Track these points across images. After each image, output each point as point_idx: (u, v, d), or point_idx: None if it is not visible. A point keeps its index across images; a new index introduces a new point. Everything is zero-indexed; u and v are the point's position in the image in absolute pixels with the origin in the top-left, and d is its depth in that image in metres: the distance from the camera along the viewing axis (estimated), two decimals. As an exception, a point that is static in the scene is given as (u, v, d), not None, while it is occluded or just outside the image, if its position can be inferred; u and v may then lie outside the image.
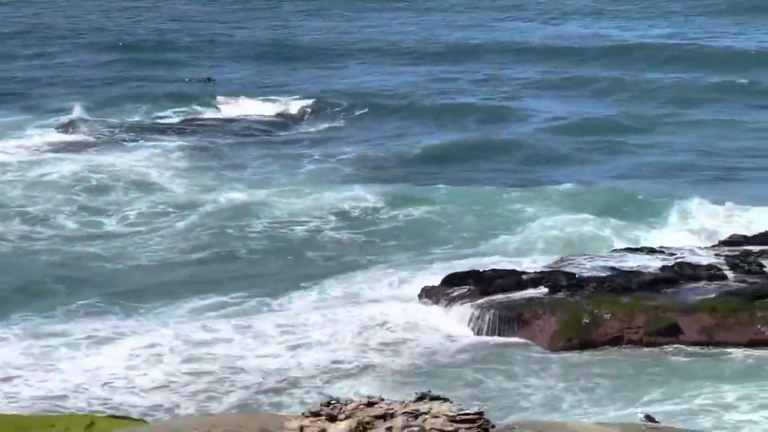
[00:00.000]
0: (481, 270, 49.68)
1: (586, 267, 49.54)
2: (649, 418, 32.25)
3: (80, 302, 49.11)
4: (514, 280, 48.15)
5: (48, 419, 28.32)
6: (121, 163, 71.99)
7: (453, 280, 48.96)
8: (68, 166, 70.35)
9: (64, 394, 39.83)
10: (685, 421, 33.79)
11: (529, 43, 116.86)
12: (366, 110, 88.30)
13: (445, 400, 22.93)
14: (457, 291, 47.82)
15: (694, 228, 57.26)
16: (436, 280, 49.67)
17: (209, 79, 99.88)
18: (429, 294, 48.46)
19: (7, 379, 40.91)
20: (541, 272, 49.03)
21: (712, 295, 45.38)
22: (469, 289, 47.73)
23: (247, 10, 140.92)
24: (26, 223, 60.46)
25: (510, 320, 45.33)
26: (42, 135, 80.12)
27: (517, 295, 46.80)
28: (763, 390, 39.25)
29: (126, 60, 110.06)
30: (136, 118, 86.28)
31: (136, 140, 79.23)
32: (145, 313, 48.39)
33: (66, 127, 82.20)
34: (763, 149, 74.01)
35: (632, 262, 50.00)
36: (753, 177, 68.14)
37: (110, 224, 60.87)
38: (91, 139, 79.67)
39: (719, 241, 53.84)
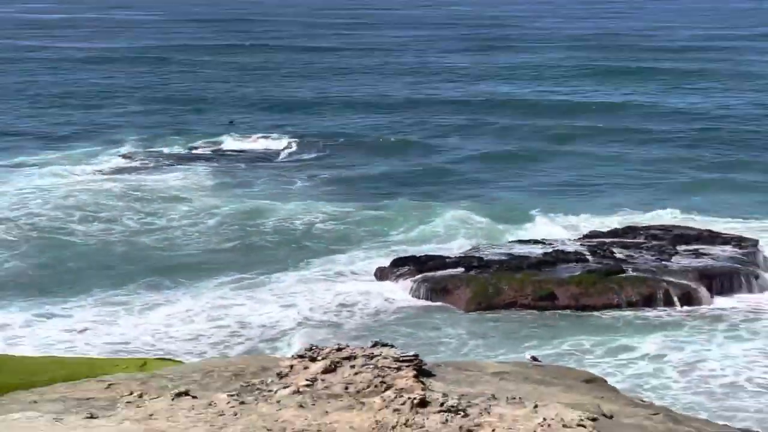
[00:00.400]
0: (418, 255, 49.93)
1: (491, 253, 49.79)
2: (534, 358, 32.26)
3: (142, 279, 49.06)
4: (440, 262, 48.40)
5: (113, 361, 28.17)
6: (165, 180, 72.86)
7: (399, 262, 49.06)
8: (127, 183, 71.09)
9: (124, 341, 40.33)
10: (555, 361, 34.14)
11: (453, 97, 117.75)
12: (339, 144, 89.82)
13: (392, 346, 22.94)
14: (401, 270, 47.94)
15: (564, 226, 57.91)
16: (387, 262, 49.79)
17: (231, 122, 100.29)
18: (382, 272, 48.53)
19: (83, 331, 41.38)
20: (459, 257, 49.35)
21: (578, 273, 45.67)
22: (409, 269, 47.88)
23: (254, 75, 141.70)
24: (102, 223, 60.58)
25: (438, 290, 45.50)
26: (108, 161, 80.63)
27: (443, 272, 47.03)
28: (612, 340, 40.10)
29: (170, 108, 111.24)
30: (176, 149, 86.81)
31: (175, 165, 79.95)
32: (188, 287, 48.44)
33: (125, 156, 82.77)
34: (612, 173, 75.38)
35: (522, 249, 50.28)
36: (606, 191, 69.16)
37: (161, 223, 60.86)
38: (143, 163, 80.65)
39: (582, 235, 54.36)
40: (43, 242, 56.88)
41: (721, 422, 26.90)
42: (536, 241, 51.88)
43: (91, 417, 17.32)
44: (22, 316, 43.77)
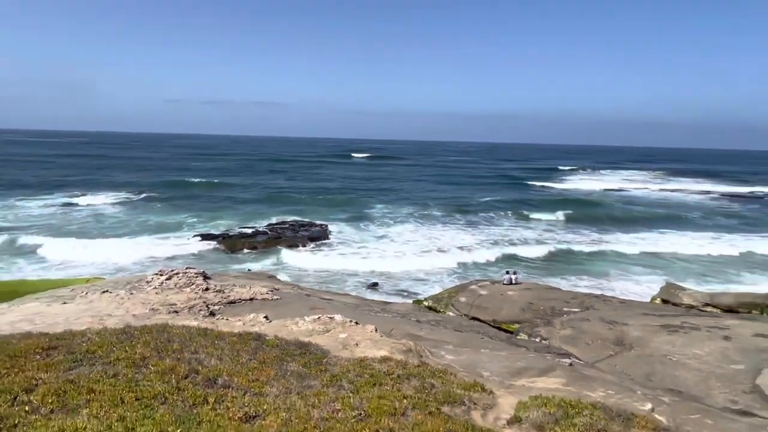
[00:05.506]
0: (212, 233, 45.05)
1: (234, 232, 46.57)
2: (249, 270, 30.77)
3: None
4: (214, 235, 44.22)
5: (74, 280, 24.11)
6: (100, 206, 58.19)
7: (201, 236, 44.32)
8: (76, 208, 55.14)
9: (79, 270, 33.31)
10: (260, 270, 32.75)
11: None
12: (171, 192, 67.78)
13: (195, 268, 21.72)
14: (202, 237, 43.68)
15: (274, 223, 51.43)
16: (198, 235, 44.32)
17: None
18: (198, 238, 43.03)
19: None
20: (222, 233, 45.24)
21: (266, 238, 43.43)
22: (204, 236, 43.45)
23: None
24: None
25: (215, 240, 42.21)
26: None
27: (217, 238, 43.54)
28: (277, 261, 37.90)
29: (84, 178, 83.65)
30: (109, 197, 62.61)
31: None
32: (113, 245, 38.78)
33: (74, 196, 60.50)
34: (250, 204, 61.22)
35: (245, 231, 47.25)
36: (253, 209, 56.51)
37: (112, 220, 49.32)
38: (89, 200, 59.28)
39: (275, 221, 50.29)
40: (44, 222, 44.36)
41: (309, 286, 27.30)
42: (254, 228, 48.16)
43: (65, 303, 15.37)
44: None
